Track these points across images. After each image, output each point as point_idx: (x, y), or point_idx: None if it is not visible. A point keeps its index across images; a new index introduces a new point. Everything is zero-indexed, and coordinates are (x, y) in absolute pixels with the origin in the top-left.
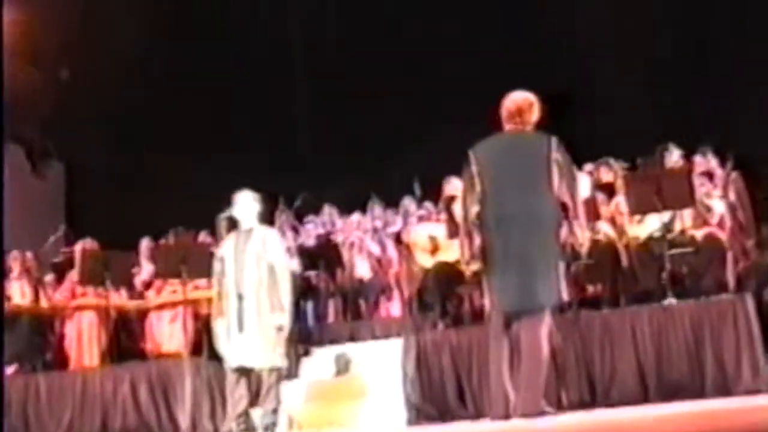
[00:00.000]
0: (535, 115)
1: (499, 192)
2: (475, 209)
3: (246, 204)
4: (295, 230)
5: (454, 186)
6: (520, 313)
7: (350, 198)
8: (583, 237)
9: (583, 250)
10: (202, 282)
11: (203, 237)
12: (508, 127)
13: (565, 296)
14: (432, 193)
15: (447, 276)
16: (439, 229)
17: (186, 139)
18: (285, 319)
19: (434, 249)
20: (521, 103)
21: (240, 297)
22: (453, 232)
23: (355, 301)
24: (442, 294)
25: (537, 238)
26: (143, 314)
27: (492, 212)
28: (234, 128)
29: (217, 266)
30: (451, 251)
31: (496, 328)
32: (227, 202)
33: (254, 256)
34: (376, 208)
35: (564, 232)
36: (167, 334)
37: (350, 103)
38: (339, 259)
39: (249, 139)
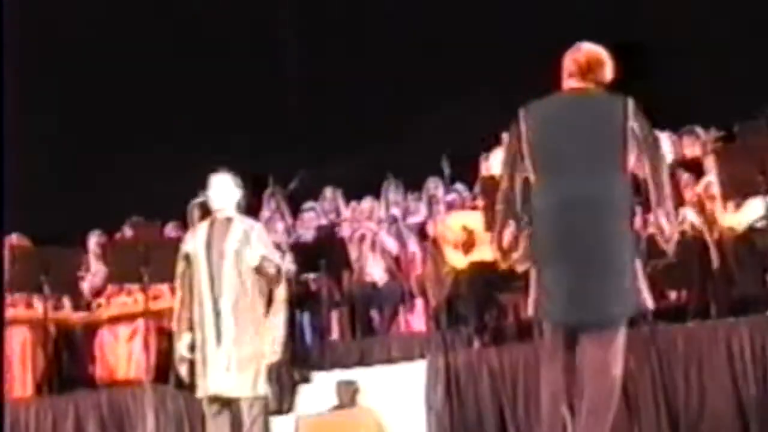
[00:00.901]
0: (609, 73)
1: (558, 167)
2: (520, 189)
3: (223, 188)
4: (289, 218)
5: (494, 162)
6: (584, 327)
7: (359, 179)
8: (671, 229)
9: (670, 246)
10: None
11: (170, 230)
12: (572, 85)
13: (648, 304)
14: (465, 172)
15: (485, 279)
16: (475, 219)
17: (147, 111)
18: (276, 335)
19: (469, 244)
20: (594, 56)
21: (215, 306)
22: (493, 222)
23: (365, 312)
24: (478, 302)
25: (607, 229)
26: (92, 330)
27: (546, 194)
28: (209, 97)
29: (180, 266)
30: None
31: (550, 345)
32: (201, 186)
33: (233, 254)
34: (393, 192)
35: (638, 221)
36: (123, 355)
37: (354, 62)
38: (345, 258)
39: (228, 109)
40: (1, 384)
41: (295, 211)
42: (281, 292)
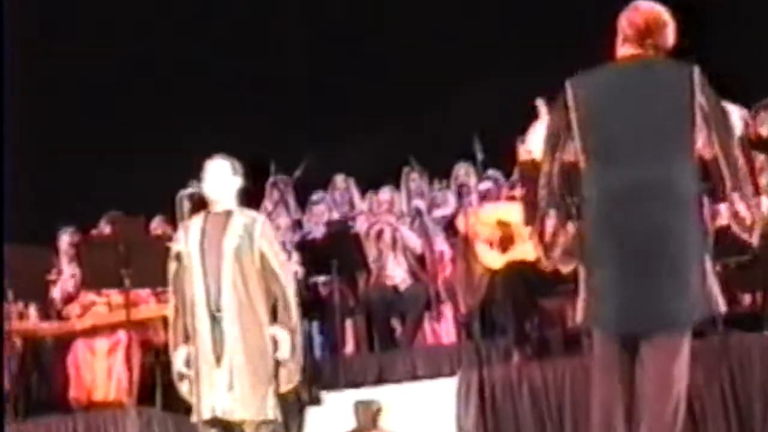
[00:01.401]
0: (671, 37)
1: (613, 150)
2: (564, 173)
3: (221, 176)
4: (295, 212)
5: (535, 144)
6: (643, 336)
7: (376, 164)
8: (752, 215)
9: (753, 235)
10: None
11: (157, 225)
12: (628, 52)
13: (720, 307)
14: (500, 156)
15: (525, 281)
16: (513, 211)
17: (126, 88)
18: (285, 348)
19: (506, 241)
20: (654, 16)
21: (214, 314)
22: (534, 215)
23: (385, 321)
24: (517, 309)
25: (671, 222)
26: (65, 343)
27: (599, 181)
28: (199, 69)
29: (172, 267)
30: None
31: (602, 357)
32: (193, 175)
33: (232, 253)
34: (416, 181)
35: (706, 212)
36: (102, 373)
37: (371, 28)
38: (361, 258)
39: (222, 84)
40: (1, 386)
41: (302, 204)
42: (291, 297)
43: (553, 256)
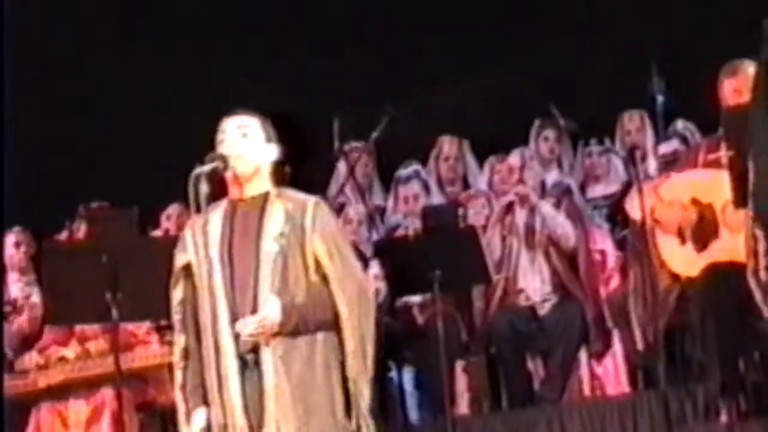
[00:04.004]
0: None
1: None
2: None
3: (247, 143)
4: (372, 195)
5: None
6: None
7: (497, 116)
8: None
9: None
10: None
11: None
12: None
13: None
14: (693, 99)
15: (738, 296)
16: (714, 185)
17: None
18: (363, 405)
19: (706, 232)
20: None
21: (245, 358)
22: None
23: (518, 363)
24: (726, 339)
25: None
26: (22, 408)
27: None
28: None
29: (178, 289)
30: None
31: None
32: (207, 145)
33: (273, 258)
34: (556, 139)
35: None
36: None
37: None
38: (478, 263)
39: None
40: (1, 383)
41: (386, 182)
42: (368, 324)
43: None
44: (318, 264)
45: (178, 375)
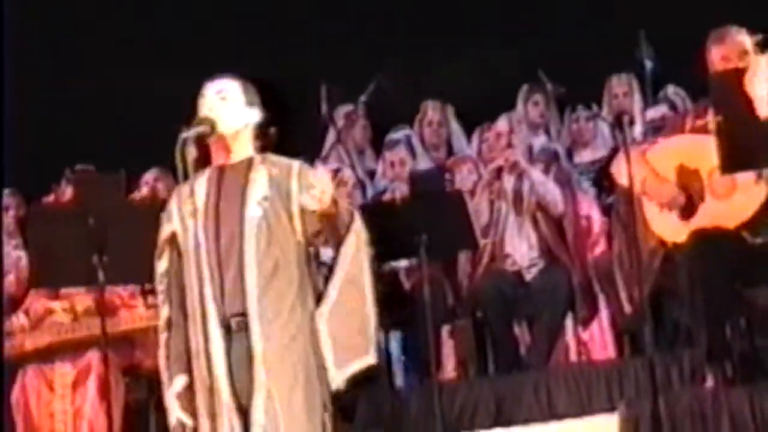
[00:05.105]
0: None
1: None
2: None
3: (230, 107)
4: (361, 161)
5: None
6: None
7: (485, 83)
8: None
9: None
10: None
11: (145, 183)
12: None
13: None
14: (681, 63)
15: (724, 262)
16: (702, 151)
17: None
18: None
19: (693, 199)
20: None
21: (230, 325)
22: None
23: (504, 327)
24: (713, 305)
25: None
26: (8, 370)
27: None
28: None
29: (164, 258)
30: (742, 203)
31: None
32: (190, 108)
33: (256, 225)
34: (544, 104)
35: None
36: (64, 413)
37: None
38: (465, 228)
39: None
40: (1, 378)
41: (375, 147)
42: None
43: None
44: (305, 226)
45: (162, 345)
